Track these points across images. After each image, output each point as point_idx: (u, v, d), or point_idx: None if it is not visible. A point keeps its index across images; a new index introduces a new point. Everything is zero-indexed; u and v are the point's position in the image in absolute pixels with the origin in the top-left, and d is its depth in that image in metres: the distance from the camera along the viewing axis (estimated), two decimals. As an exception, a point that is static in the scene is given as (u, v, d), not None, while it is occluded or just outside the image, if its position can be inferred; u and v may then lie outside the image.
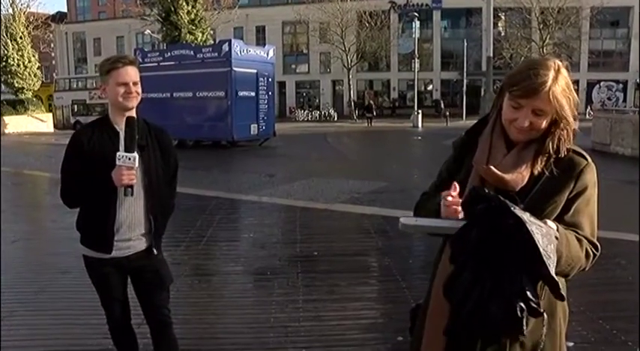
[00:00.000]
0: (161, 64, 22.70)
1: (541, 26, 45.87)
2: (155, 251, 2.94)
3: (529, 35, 47.49)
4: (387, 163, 17.43)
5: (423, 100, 51.44)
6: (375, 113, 43.53)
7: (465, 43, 49.29)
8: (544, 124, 1.78)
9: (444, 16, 56.61)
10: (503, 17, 46.99)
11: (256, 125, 22.19)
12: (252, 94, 22.08)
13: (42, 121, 41.39)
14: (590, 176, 1.83)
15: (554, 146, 1.81)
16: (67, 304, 4.90)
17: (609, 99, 53.42)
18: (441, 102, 52.74)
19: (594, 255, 1.82)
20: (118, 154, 2.63)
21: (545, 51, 45.18)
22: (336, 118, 49.84)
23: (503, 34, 46.33)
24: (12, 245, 7.05)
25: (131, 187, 2.67)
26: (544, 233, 1.60)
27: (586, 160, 1.84)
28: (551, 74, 1.76)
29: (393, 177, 13.35)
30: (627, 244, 6.48)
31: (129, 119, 2.73)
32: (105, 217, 2.78)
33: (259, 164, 16.87)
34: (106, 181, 2.65)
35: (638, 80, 52.41)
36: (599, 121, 19.39)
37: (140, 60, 24.19)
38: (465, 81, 49.08)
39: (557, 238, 1.66)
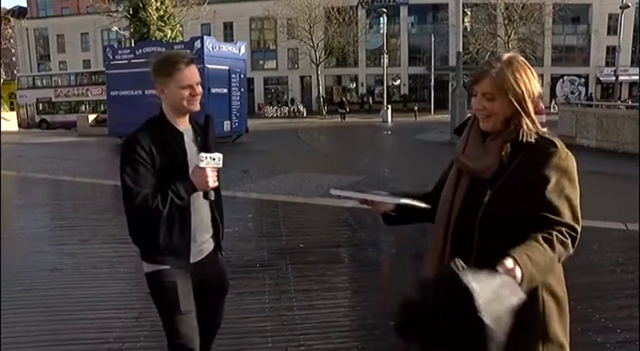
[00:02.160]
0: (132, 61, 22.46)
1: (506, 22, 46.82)
2: (221, 252, 2.88)
3: (494, 30, 48.37)
4: (360, 157, 17.67)
5: (392, 95, 51.86)
6: (347, 109, 43.85)
7: (432, 39, 49.87)
8: (499, 108, 1.93)
9: (411, 12, 57.12)
10: (469, 13, 47.67)
11: (229, 122, 22.18)
12: (225, 90, 22.06)
13: (6, 119, 40.57)
14: (560, 161, 1.90)
15: (516, 133, 1.93)
16: (61, 301, 4.93)
17: (572, 93, 54.77)
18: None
19: (573, 238, 1.88)
20: (201, 155, 2.48)
21: (510, 46, 46.02)
22: (305, 114, 49.95)
23: (469, 29, 46.98)
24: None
25: (214, 189, 2.56)
26: (497, 293, 1.63)
27: (555, 146, 1.93)
28: (500, 64, 1.94)
29: (367, 171, 13.56)
30: (597, 230, 6.79)
31: (208, 117, 2.62)
32: (182, 225, 2.59)
33: (234, 160, 16.87)
34: (182, 187, 2.47)
35: (597, 75, 53.79)
36: (565, 114, 19.94)
37: (110, 57, 24.04)
38: (432, 76, 49.68)
39: (521, 271, 1.72)
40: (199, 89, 2.58)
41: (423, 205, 2.07)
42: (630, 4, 42.69)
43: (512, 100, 1.92)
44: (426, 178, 12.64)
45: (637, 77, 41.63)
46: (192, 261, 2.67)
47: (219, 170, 2.56)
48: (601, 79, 53.93)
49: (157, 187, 2.46)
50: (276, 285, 5.25)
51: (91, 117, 33.67)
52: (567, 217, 1.88)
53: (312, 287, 5.14)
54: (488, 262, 1.75)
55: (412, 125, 33.39)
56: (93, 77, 44.26)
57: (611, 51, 49.74)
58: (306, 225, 7.90)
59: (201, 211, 2.67)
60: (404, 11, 56.64)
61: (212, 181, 2.49)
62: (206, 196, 2.55)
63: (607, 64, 52.88)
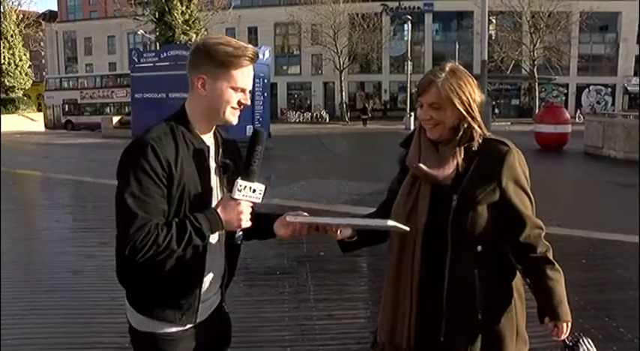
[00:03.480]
0: (157, 64, 22.70)
1: (532, 30, 46.22)
2: (225, 306, 2.15)
3: (520, 38, 47.89)
4: (383, 164, 17.53)
5: (415, 102, 51.57)
6: (370, 115, 43.98)
7: (457, 46, 49.60)
8: (446, 117, 1.99)
9: (436, 19, 56.96)
10: (494, 21, 47.27)
11: (252, 126, 22.26)
12: (249, 95, 22.18)
13: (33, 120, 41.17)
14: (514, 159, 1.99)
15: (467, 138, 2.00)
16: (82, 304, 4.94)
17: (598, 103, 54.07)
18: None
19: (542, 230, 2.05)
20: (239, 182, 1.82)
21: (535, 54, 45.67)
22: (327, 120, 49.93)
23: (494, 37, 46.60)
24: (18, 245, 7.09)
25: (245, 230, 1.91)
26: None
27: (506, 145, 2.01)
28: (444, 74, 1.99)
29: (389, 178, 13.40)
30: (627, 245, 6.62)
31: (257, 133, 1.93)
32: (195, 272, 1.93)
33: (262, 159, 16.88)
34: (207, 222, 1.81)
35: (625, 84, 53.02)
36: (591, 125, 19.59)
37: (136, 60, 24.28)
38: (456, 83, 49.31)
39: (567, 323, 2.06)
40: (249, 99, 1.95)
41: (406, 227, 1.92)
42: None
43: (460, 107, 1.97)
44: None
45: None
46: (199, 320, 1.99)
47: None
48: (629, 88, 53.17)
49: (170, 216, 1.81)
50: (296, 293, 5.19)
51: (115, 119, 34.03)
52: (529, 210, 2.01)
53: (332, 297, 5.07)
54: (462, 266, 1.96)
55: (435, 133, 33.14)
56: (118, 80, 44.85)
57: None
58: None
59: (214, 255, 1.97)
60: (428, 18, 56.50)
61: (246, 219, 1.85)
62: (232, 238, 1.92)
63: (635, 74, 52.08)
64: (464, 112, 1.98)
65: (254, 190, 1.84)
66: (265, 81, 23.55)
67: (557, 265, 2.04)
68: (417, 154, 2.07)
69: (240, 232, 1.90)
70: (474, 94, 2.02)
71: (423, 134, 2.09)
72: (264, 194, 1.87)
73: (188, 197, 1.83)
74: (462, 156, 2.00)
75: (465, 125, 1.99)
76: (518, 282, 2.10)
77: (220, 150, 1.99)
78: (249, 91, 1.94)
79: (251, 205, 1.86)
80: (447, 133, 2.02)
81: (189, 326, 1.96)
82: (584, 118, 30.06)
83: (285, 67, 59.03)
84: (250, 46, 1.93)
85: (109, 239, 7.26)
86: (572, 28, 48.65)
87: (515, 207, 1.98)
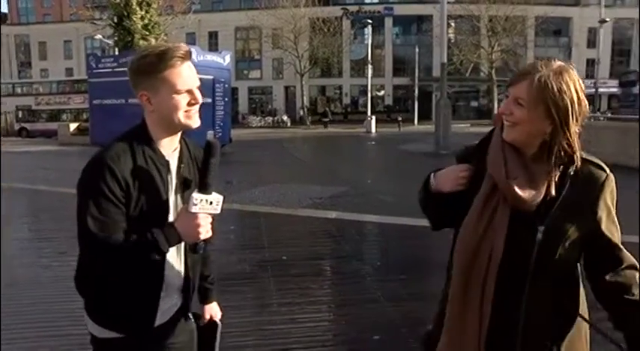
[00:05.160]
0: (115, 70, 22.35)
1: (489, 33, 47.29)
2: (190, 314, 2.17)
3: (478, 42, 48.88)
4: (344, 168, 17.63)
5: (375, 105, 52.09)
6: (330, 118, 44.53)
7: (417, 49, 50.22)
8: (529, 120, 1.66)
9: (396, 23, 57.69)
10: (453, 24, 48.02)
11: (212, 132, 22.10)
12: (209, 100, 21.95)
13: (-17, 127, 40.16)
14: (611, 189, 1.73)
15: (563, 157, 1.68)
16: (41, 316, 4.79)
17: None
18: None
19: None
20: (194, 196, 1.79)
21: (493, 57, 46.62)
22: (289, 124, 49.98)
23: (453, 40, 47.36)
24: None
25: (205, 240, 1.88)
26: None
27: (605, 171, 1.72)
28: (545, 69, 1.66)
29: (352, 181, 13.51)
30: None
31: (211, 144, 1.86)
32: (153, 285, 1.95)
33: (218, 171, 16.75)
34: (164, 237, 1.81)
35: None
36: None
37: (93, 65, 23.88)
38: (416, 87, 49.99)
39: None
40: (200, 95, 1.89)
41: None
42: (608, 19, 43.74)
43: (554, 114, 1.63)
44: (408, 188, 12.66)
45: (615, 89, 42.38)
46: (157, 324, 2.01)
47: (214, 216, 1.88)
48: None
49: (129, 233, 1.81)
50: (259, 298, 5.17)
51: (73, 126, 33.37)
52: (620, 243, 1.74)
53: (295, 301, 5.06)
54: (539, 304, 1.68)
55: (396, 136, 33.49)
56: (75, 85, 43.93)
57: (591, 64, 50.57)
58: (289, 237, 7.82)
59: (173, 267, 2.00)
60: (388, 22, 57.13)
61: (205, 231, 1.83)
62: (195, 249, 1.90)
63: (587, 77, 53.55)
64: (557, 122, 1.64)
65: (211, 202, 1.82)
66: (226, 85, 23.46)
67: None
68: (502, 164, 1.71)
69: (202, 243, 1.87)
70: (577, 106, 1.66)
71: (507, 143, 1.74)
72: (222, 204, 1.85)
73: (147, 214, 1.84)
74: (557, 180, 1.69)
75: (564, 142, 1.66)
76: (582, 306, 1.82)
77: (182, 164, 1.98)
78: (198, 87, 1.90)
79: (209, 216, 1.84)
80: (525, 140, 1.70)
81: (145, 334, 1.98)
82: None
83: (246, 72, 58.88)
84: (181, 44, 1.90)
85: (65, 249, 7.11)
86: (528, 32, 49.96)
87: (608, 241, 1.71)
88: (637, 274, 1.72)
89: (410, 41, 56.02)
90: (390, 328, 4.41)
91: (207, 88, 21.98)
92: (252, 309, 4.88)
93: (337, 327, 4.54)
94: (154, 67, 1.81)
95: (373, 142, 30.11)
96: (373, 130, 37.46)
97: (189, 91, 1.86)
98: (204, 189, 1.82)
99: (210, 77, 22.07)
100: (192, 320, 2.21)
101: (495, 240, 1.67)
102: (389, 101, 57.62)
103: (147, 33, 32.89)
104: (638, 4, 51.82)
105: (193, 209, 1.79)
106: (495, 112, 37.40)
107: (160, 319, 2.01)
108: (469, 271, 1.70)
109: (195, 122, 1.90)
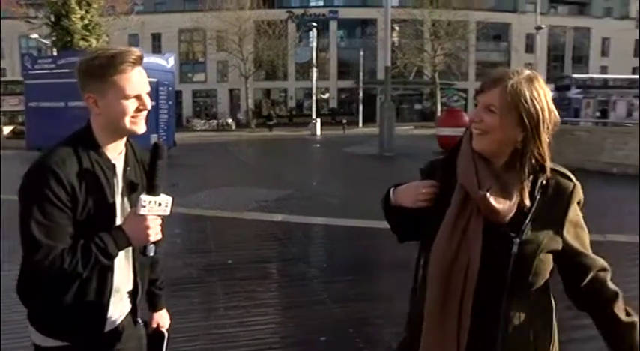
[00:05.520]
0: (54, 71, 21.69)
1: (432, 38, 48.18)
2: (139, 315, 2.11)
3: (421, 46, 49.70)
4: (290, 171, 17.65)
5: (320, 108, 52.35)
6: (275, 121, 44.67)
7: (361, 53, 50.73)
8: (501, 127, 1.62)
9: (341, 26, 58.09)
10: (397, 28, 48.75)
11: (156, 135, 21.75)
12: (152, 103, 21.42)
13: None
14: (579, 199, 1.72)
15: (534, 165, 1.66)
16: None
17: (495, 107, 57.29)
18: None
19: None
20: (142, 198, 1.78)
21: (436, 61, 47.53)
22: (234, 127, 49.59)
23: (397, 44, 48.09)
24: None
25: (155, 243, 1.86)
26: None
27: (572, 181, 1.71)
28: (517, 76, 1.64)
29: (296, 184, 13.55)
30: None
31: (158, 146, 1.87)
32: (100, 291, 1.89)
33: (164, 173, 16.51)
34: (112, 241, 1.78)
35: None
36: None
37: (29, 66, 23.13)
38: (361, 90, 50.48)
39: None
40: (149, 101, 1.87)
41: None
42: (543, 26, 45.61)
43: (525, 120, 1.60)
44: (354, 190, 12.84)
45: (552, 93, 44.00)
46: (107, 329, 1.97)
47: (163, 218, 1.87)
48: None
49: (76, 238, 1.77)
50: (206, 303, 5.15)
51: (7, 129, 32.21)
52: (589, 250, 1.73)
53: (241, 304, 5.05)
54: (517, 316, 1.65)
55: (341, 138, 33.71)
56: (9, 86, 42.36)
57: (529, 68, 52.26)
58: (235, 240, 7.80)
59: (122, 272, 1.96)
60: (333, 25, 57.47)
61: (154, 233, 1.81)
62: (145, 252, 1.86)
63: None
64: (529, 130, 1.61)
65: (160, 204, 1.81)
66: (170, 89, 23.14)
67: (630, 309, 1.74)
68: (474, 174, 1.66)
69: (152, 245, 1.85)
70: (548, 114, 1.64)
71: (477, 153, 1.69)
72: (171, 206, 1.84)
73: (94, 218, 1.80)
74: (529, 190, 1.66)
75: (535, 151, 1.63)
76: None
77: (128, 167, 1.95)
78: (148, 93, 1.88)
79: (159, 218, 1.83)
80: (495, 149, 1.67)
81: (93, 341, 1.94)
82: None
83: (190, 75, 58.13)
84: (132, 48, 1.87)
85: (12, 258, 6.90)
86: (469, 36, 51.23)
87: (578, 251, 1.70)
88: (608, 275, 1.73)
89: (355, 44, 56.50)
90: (337, 328, 4.46)
91: (150, 91, 21.67)
92: (200, 313, 4.85)
93: (285, 329, 4.57)
94: (103, 70, 1.78)
95: (318, 145, 30.24)
96: (318, 133, 37.60)
97: (138, 97, 1.83)
98: (152, 191, 1.81)
99: (154, 80, 21.73)
100: (142, 325, 2.16)
101: (471, 253, 1.62)
102: (334, 104, 57.92)
103: (87, 34, 31.99)
104: (569, 12, 54.56)
105: (142, 211, 1.78)
106: (439, 114, 38.22)
107: (109, 325, 1.96)
108: (445, 287, 1.65)
109: (141, 128, 1.87)
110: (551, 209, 1.67)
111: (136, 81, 1.82)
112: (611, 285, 1.72)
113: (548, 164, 1.67)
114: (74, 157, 1.80)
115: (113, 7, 40.58)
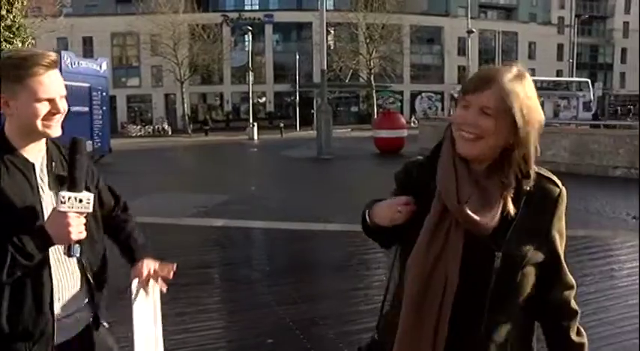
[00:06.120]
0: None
1: (367, 41, 48.80)
2: (104, 322, 2.08)
3: (357, 49, 50.24)
4: (228, 175, 17.55)
5: (257, 112, 52.22)
6: (211, 126, 44.42)
7: (297, 56, 50.90)
8: (496, 132, 1.49)
9: (276, 30, 58.14)
10: (332, 31, 49.17)
11: (91, 142, 21.20)
12: (86, 109, 21.02)
13: None
14: (564, 204, 1.61)
15: (520, 171, 1.54)
16: None
17: (430, 108, 58.82)
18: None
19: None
20: (62, 194, 1.72)
21: (372, 63, 48.17)
22: (170, 133, 48.78)
23: (332, 47, 48.46)
24: None
25: (79, 242, 1.77)
26: None
27: (558, 186, 1.60)
28: (509, 74, 1.51)
29: (235, 189, 13.50)
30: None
31: (76, 141, 1.86)
32: (39, 295, 1.79)
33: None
34: (32, 240, 1.70)
35: (452, 92, 57.93)
36: (425, 129, 21.11)
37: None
38: (297, 93, 50.65)
39: None
40: (63, 105, 1.82)
41: None
42: (474, 30, 47.35)
43: (519, 121, 1.48)
44: (292, 193, 12.88)
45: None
46: (57, 341, 1.86)
47: (89, 215, 1.80)
48: (455, 95, 58.05)
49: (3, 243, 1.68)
50: (148, 310, 5.08)
51: None
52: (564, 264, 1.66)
53: (185, 310, 5.01)
54: (498, 332, 1.55)
55: (278, 142, 33.74)
56: None
57: (462, 70, 54.00)
58: (175, 246, 7.68)
59: (65, 272, 1.88)
60: (269, 29, 57.44)
61: (76, 231, 1.72)
62: (69, 252, 1.77)
63: (459, 82, 57.00)
64: (521, 133, 1.49)
65: (80, 200, 1.73)
66: (104, 94, 22.61)
67: (582, 330, 1.68)
68: (453, 183, 1.53)
69: (77, 245, 1.76)
70: (536, 114, 1.53)
71: (458, 157, 1.56)
72: (93, 202, 1.78)
73: (15, 220, 1.72)
74: (512, 198, 1.53)
75: (521, 154, 1.51)
76: None
77: (53, 162, 1.89)
78: (62, 97, 1.83)
79: (81, 215, 1.75)
80: (486, 155, 1.54)
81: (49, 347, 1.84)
82: (418, 122, 32.34)
83: (124, 79, 56.73)
84: (48, 52, 1.83)
85: None
86: (403, 39, 52.20)
87: (557, 264, 1.63)
88: (573, 293, 1.67)
89: (290, 48, 56.61)
90: (284, 330, 4.49)
91: (83, 96, 21.07)
92: (142, 321, 4.79)
93: (230, 333, 4.57)
94: (15, 71, 1.74)
95: (256, 149, 30.16)
96: (255, 137, 37.49)
97: (51, 100, 1.78)
98: (73, 186, 1.76)
99: (87, 85, 21.21)
100: (107, 329, 2.08)
101: (450, 267, 1.51)
102: (270, 108, 57.85)
103: (11, 35, 30.83)
104: (498, 17, 56.75)
105: (62, 208, 1.71)
106: (375, 116, 38.72)
107: (66, 332, 1.89)
108: (422, 300, 1.53)
109: (55, 132, 1.83)
110: (537, 218, 1.56)
111: (49, 84, 1.77)
112: (573, 304, 1.66)
113: (534, 168, 1.55)
114: None
115: (39, 9, 39.26)
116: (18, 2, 32.05)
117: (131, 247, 2.20)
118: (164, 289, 2.17)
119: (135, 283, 2.09)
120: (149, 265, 2.14)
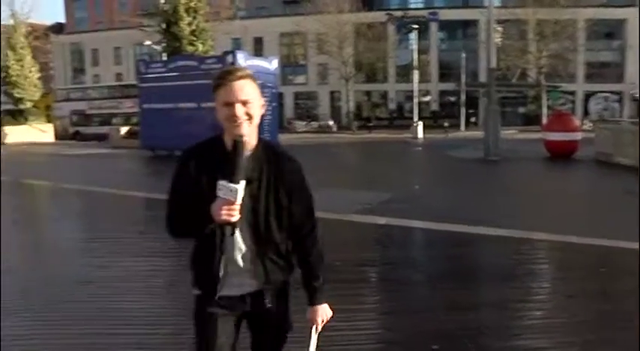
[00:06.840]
0: (164, 75, 22.73)
1: (537, 38, 46.15)
2: (267, 299, 2.39)
3: (526, 46, 47.70)
4: (392, 173, 17.46)
5: (421, 111, 51.74)
6: (373, 123, 44.87)
7: (463, 55, 49.65)
8: None
9: (441, 28, 57.24)
10: (500, 29, 47.31)
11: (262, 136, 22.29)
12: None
13: (42, 131, 41.45)
14: None
15: None
16: (99, 314, 4.83)
17: (605, 110, 54.04)
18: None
19: None
20: (219, 183, 2.12)
21: (541, 62, 45.53)
22: (335, 129, 49.95)
23: (500, 45, 46.58)
24: (27, 256, 7.08)
25: (232, 224, 2.16)
26: None
27: None
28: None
29: (399, 187, 13.40)
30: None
31: (236, 142, 2.19)
32: (210, 255, 2.31)
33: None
34: (208, 215, 2.15)
35: (632, 92, 52.87)
36: (602, 132, 19.50)
37: (143, 71, 24.32)
38: (463, 92, 49.39)
39: None
40: (240, 110, 2.21)
41: None
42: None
43: None
44: (457, 194, 12.51)
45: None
46: (230, 293, 2.35)
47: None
48: (636, 96, 53.04)
49: (189, 211, 2.22)
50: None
51: (124, 129, 34.03)
52: None
53: (342, 307, 4.97)
54: None
55: (443, 141, 33.12)
56: (125, 90, 44.90)
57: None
58: (339, 242, 7.73)
59: (234, 247, 2.32)
60: (434, 27, 56.70)
61: (225, 214, 2.11)
62: (225, 231, 2.22)
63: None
64: None
65: (231, 190, 2.10)
66: (273, 91, 23.61)
67: None
68: None
69: (229, 226, 2.16)
70: None
71: None
72: (239, 194, 2.10)
73: (205, 194, 2.20)
74: None
75: None
76: None
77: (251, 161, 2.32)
78: (244, 102, 2.25)
79: (232, 202, 2.10)
80: None
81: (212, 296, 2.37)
82: (592, 125, 29.96)
83: (291, 77, 59.11)
84: (238, 68, 2.44)
85: (119, 249, 7.24)
86: (578, 35, 48.52)
87: None
88: None
89: (456, 46, 55.50)
90: (450, 337, 4.28)
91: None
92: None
93: (393, 335, 4.45)
94: (213, 82, 2.33)
95: (420, 148, 29.81)
96: (420, 135, 37.14)
97: (229, 104, 2.24)
98: (230, 178, 2.12)
99: (259, 82, 22.24)
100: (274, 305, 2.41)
101: None
102: (435, 107, 57.07)
103: (194, 39, 33.40)
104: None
105: (219, 193, 2.12)
106: (544, 117, 36.65)
107: (234, 289, 2.35)
108: None
109: (238, 130, 2.21)
110: None
111: (230, 91, 2.25)
112: None
113: None
114: (201, 147, 2.37)
115: (218, 13, 42.05)
116: (202, 9, 34.74)
117: (313, 285, 2.48)
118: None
119: (313, 331, 2.50)
120: (323, 315, 2.51)
